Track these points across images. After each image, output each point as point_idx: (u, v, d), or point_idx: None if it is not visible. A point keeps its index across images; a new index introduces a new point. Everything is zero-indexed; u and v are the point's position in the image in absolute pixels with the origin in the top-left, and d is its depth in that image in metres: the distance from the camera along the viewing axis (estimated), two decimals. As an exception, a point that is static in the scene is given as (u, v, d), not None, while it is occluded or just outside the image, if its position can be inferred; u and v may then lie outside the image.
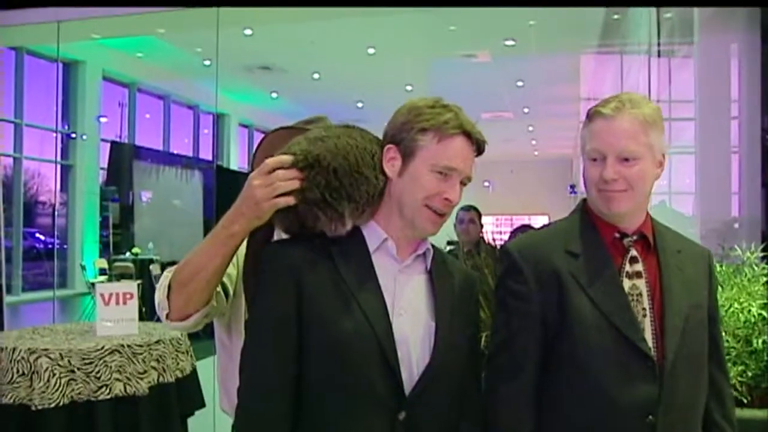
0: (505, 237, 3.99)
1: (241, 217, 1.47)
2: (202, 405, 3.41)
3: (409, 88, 12.19)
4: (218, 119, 14.00)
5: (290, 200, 1.44)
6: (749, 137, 4.31)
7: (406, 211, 1.48)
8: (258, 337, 1.42)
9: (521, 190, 18.60)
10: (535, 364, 1.56)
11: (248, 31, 10.01)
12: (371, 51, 11.09)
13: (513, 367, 1.56)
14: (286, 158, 1.45)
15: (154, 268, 8.79)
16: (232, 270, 1.70)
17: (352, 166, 1.45)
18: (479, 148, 1.51)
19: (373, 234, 1.49)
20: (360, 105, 14.23)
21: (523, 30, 9.88)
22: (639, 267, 1.57)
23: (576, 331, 1.52)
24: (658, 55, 5.36)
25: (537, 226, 2.53)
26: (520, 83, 12.04)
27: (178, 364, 3.28)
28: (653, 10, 5.53)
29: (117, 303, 3.34)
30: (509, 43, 10.65)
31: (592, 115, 1.57)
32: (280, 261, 1.42)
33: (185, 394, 3.30)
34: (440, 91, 1.57)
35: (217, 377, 1.84)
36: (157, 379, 3.13)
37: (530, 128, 16.35)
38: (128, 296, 3.37)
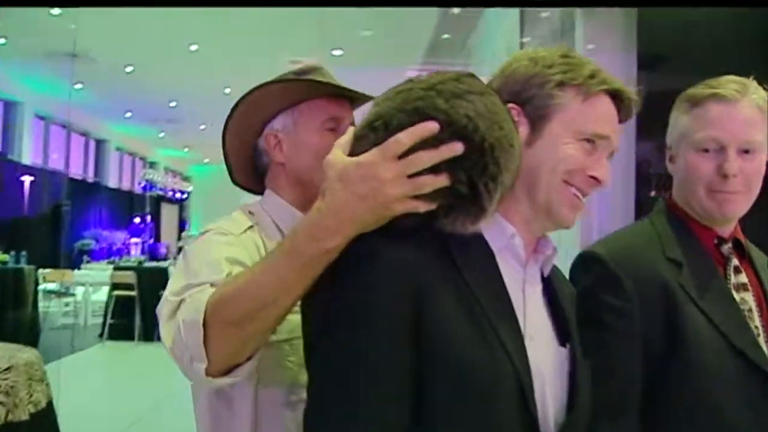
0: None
1: (351, 224, 0.97)
2: (60, 446, 2.75)
3: (227, 90, 11.52)
4: (9, 107, 12.35)
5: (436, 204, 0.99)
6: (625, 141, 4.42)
7: (539, 191, 1.07)
8: (363, 380, 0.94)
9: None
10: (639, 397, 1.27)
11: (56, 11, 8.93)
12: (193, 48, 10.43)
13: (615, 401, 1.25)
14: (431, 126, 0.96)
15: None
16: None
17: (507, 138, 1.00)
18: (626, 113, 1.13)
19: (497, 228, 1.07)
20: (173, 104, 13.43)
21: (352, 41, 9.77)
22: (743, 278, 1.36)
23: (690, 355, 1.25)
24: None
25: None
26: (342, 94, 11.91)
27: (31, 396, 2.60)
28: (516, 27, 5.59)
29: (-55, 319, 2.58)
30: (337, 53, 10.48)
31: (702, 98, 1.34)
32: (387, 258, 0.96)
33: (40, 434, 2.62)
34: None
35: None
36: (6, 417, 2.46)
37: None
38: (-39, 310, 2.62)
